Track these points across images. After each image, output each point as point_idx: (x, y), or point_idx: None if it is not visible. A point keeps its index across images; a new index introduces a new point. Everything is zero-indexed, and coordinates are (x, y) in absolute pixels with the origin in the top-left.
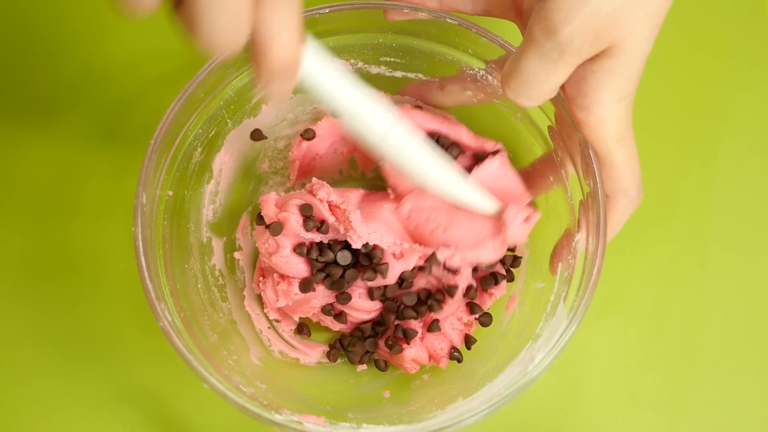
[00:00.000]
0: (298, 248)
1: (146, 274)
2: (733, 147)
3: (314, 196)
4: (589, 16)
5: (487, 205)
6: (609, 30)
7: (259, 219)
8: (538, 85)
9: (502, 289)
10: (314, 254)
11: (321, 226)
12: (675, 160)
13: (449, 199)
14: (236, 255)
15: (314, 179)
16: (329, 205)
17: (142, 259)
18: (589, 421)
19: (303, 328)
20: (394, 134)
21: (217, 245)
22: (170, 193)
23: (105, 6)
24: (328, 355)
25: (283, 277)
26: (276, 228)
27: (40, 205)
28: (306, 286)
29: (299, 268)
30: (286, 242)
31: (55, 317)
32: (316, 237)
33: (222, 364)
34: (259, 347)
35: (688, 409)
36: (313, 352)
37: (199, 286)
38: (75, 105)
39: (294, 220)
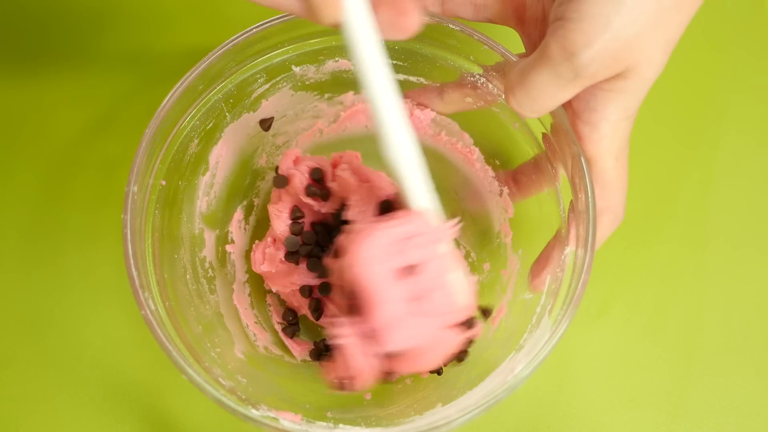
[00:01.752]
0: (294, 211)
1: (131, 261)
2: (733, 147)
3: (334, 166)
4: (610, 41)
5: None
6: (627, 55)
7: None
8: (544, 101)
9: (478, 330)
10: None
11: (322, 192)
12: (675, 159)
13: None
14: (228, 248)
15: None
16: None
17: (129, 246)
18: (589, 421)
19: (289, 315)
20: (393, 116)
21: (209, 237)
22: (163, 182)
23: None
24: (311, 353)
25: (275, 243)
26: (281, 181)
27: (36, 193)
28: (292, 256)
29: (285, 228)
30: (287, 199)
31: (43, 306)
32: (315, 205)
33: (204, 356)
34: (244, 342)
35: (688, 409)
36: (299, 348)
37: (188, 277)
38: (73, 96)
39: (299, 180)
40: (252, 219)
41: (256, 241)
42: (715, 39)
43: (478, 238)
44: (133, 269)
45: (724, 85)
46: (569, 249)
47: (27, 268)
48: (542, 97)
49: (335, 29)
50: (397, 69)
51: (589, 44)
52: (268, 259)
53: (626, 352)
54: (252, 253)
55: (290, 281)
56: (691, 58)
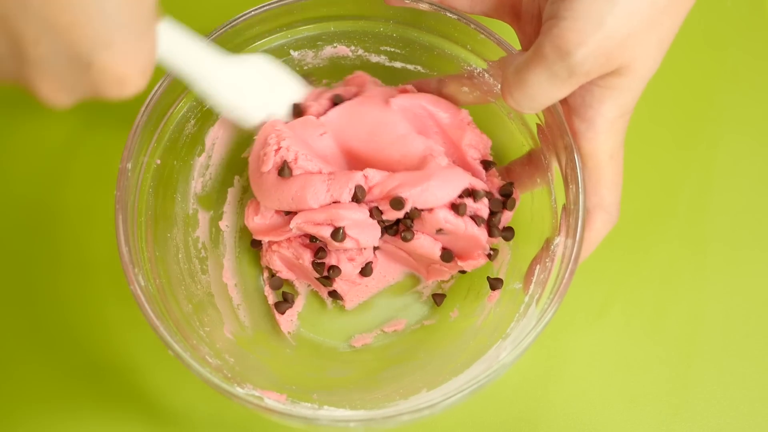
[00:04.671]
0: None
1: (122, 237)
2: (733, 147)
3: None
4: (604, 40)
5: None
6: (621, 53)
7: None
8: (541, 99)
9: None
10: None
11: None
12: (674, 159)
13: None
14: (221, 225)
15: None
16: None
17: (120, 223)
18: (589, 420)
19: (284, 292)
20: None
21: (203, 218)
22: (158, 161)
23: None
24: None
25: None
26: (297, 110)
27: (33, 178)
28: (282, 171)
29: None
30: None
31: (35, 286)
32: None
33: (192, 334)
34: (234, 322)
35: (688, 409)
36: (286, 322)
37: (180, 256)
38: None
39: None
40: (247, 202)
41: (251, 199)
42: (715, 39)
43: None
44: (124, 245)
45: (723, 85)
46: (559, 239)
47: (21, 250)
48: (539, 95)
49: (336, 15)
50: (394, 56)
51: (583, 43)
52: (262, 211)
53: (626, 352)
54: (246, 209)
55: (284, 231)
56: (690, 58)
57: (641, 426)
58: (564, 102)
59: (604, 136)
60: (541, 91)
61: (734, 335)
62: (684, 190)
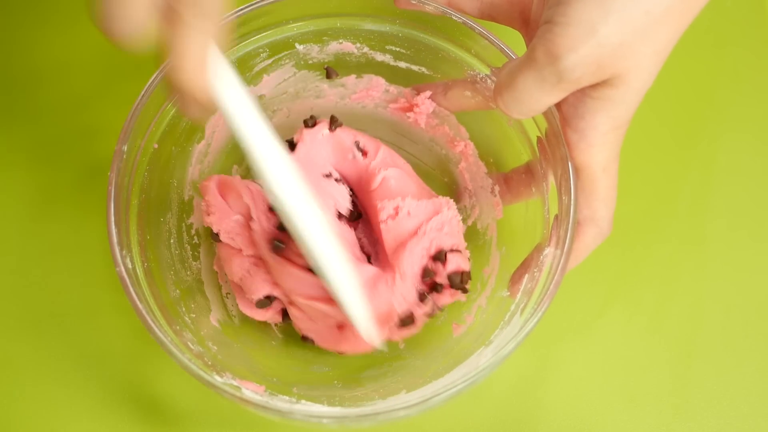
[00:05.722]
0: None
1: (112, 218)
2: (733, 147)
3: None
4: (595, 47)
5: (361, 310)
6: (613, 63)
7: None
8: (529, 103)
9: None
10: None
11: None
12: (675, 159)
13: (325, 281)
14: None
15: None
16: None
17: (112, 204)
18: (590, 420)
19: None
20: (293, 195)
21: (199, 205)
22: (156, 146)
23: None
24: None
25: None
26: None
27: (25, 171)
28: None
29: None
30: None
31: (26, 271)
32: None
33: (176, 320)
34: (222, 311)
35: (688, 409)
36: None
37: (172, 241)
38: (69, 64)
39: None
40: None
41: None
42: (715, 38)
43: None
44: (113, 226)
45: (723, 84)
46: (549, 250)
47: (15, 236)
48: (527, 99)
49: (343, 12)
50: (399, 56)
51: (574, 49)
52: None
53: (626, 352)
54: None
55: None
56: (690, 58)
57: (641, 426)
58: (558, 112)
59: (596, 148)
60: (530, 95)
61: (734, 335)
62: (684, 189)
